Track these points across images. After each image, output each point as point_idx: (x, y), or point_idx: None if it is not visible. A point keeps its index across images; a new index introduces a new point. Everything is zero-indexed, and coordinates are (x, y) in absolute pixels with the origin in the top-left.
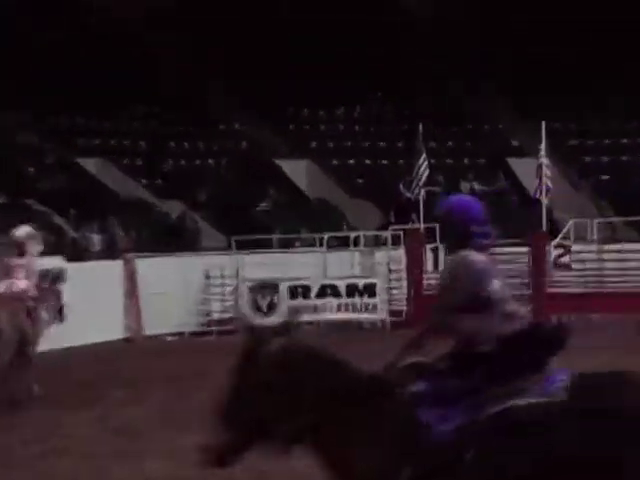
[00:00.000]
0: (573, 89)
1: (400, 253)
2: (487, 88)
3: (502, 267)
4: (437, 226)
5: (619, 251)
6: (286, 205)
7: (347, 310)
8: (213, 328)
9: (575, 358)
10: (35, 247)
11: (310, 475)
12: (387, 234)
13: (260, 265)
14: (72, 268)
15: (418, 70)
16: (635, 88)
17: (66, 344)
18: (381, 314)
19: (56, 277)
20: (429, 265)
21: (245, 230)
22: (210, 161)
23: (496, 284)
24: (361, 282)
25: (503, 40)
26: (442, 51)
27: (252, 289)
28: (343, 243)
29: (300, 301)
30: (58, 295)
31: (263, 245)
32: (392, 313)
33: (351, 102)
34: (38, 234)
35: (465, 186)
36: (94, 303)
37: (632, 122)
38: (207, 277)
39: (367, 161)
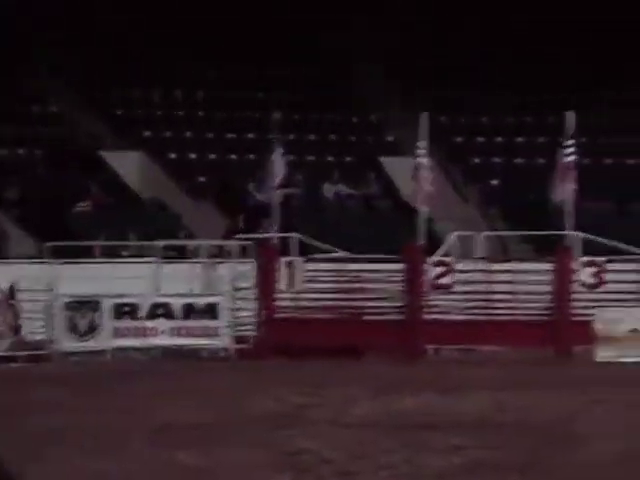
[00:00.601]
0: (462, 80)
1: (249, 267)
2: (359, 70)
3: (369, 287)
4: (294, 236)
5: (510, 271)
6: (112, 206)
7: (183, 335)
8: (19, 353)
9: (456, 397)
10: None
11: None
12: (233, 244)
13: (79, 278)
14: None
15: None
16: (532, 81)
17: None
18: (224, 340)
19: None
20: (283, 283)
21: (61, 235)
22: (20, 150)
23: None
24: (200, 301)
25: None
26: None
27: (69, 306)
28: (180, 253)
29: (127, 322)
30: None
31: (83, 254)
32: (238, 340)
33: (192, 83)
34: None
35: (329, 188)
36: None
37: (528, 117)
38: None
39: (211, 155)
